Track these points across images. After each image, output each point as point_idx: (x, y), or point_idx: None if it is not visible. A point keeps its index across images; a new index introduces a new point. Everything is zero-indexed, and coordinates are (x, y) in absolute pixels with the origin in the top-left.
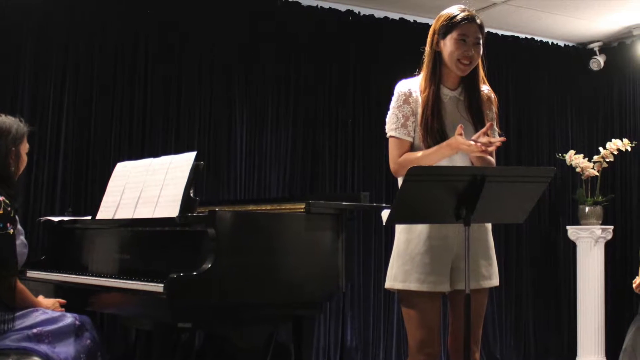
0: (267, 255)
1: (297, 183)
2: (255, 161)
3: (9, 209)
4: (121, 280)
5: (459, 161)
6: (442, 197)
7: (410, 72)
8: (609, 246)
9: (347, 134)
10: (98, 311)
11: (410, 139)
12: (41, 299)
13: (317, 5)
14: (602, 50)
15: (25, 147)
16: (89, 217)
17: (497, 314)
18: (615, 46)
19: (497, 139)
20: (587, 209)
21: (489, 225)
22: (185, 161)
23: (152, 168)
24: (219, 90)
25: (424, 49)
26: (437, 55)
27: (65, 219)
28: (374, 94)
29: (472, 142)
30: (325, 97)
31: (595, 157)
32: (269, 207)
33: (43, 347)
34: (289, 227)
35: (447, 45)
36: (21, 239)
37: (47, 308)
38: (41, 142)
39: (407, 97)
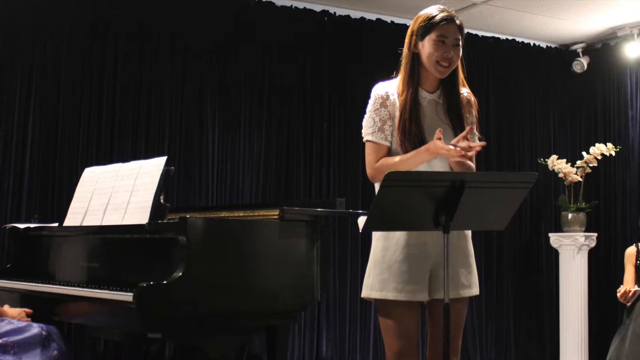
0: (239, 263)
1: (271, 189)
2: (227, 166)
3: None
4: (89, 289)
5: (438, 166)
6: (421, 204)
7: (387, 75)
8: (592, 254)
9: (323, 137)
10: (66, 321)
11: (388, 144)
12: (6, 308)
13: (292, 6)
14: (586, 51)
15: None
16: (56, 224)
17: (477, 323)
18: (599, 48)
19: (477, 144)
20: (570, 215)
21: (469, 233)
22: (155, 166)
23: (121, 173)
24: (191, 93)
25: (401, 50)
26: (415, 57)
27: (32, 225)
28: (350, 97)
29: (452, 147)
30: (299, 99)
31: (579, 162)
32: (241, 214)
33: (9, 358)
34: (262, 234)
35: (426, 47)
36: None
37: (13, 318)
38: (6, 146)
39: (384, 100)
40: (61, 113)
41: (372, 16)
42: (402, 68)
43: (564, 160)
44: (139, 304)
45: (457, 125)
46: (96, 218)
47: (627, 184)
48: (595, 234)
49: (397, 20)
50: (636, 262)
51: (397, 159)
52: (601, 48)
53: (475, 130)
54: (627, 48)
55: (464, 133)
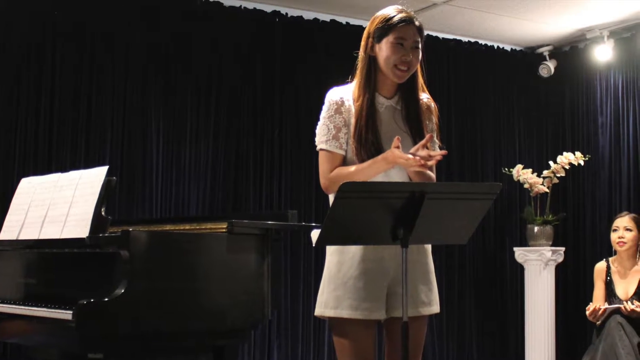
0: (185, 279)
1: (219, 200)
2: (172, 176)
3: None
4: (26, 307)
5: (396, 176)
6: (378, 216)
7: (342, 79)
8: (560, 269)
9: (274, 146)
10: (1, 341)
11: (343, 152)
12: None
13: (241, 6)
14: (553, 55)
15: None
16: None
17: (437, 343)
18: (566, 51)
19: (438, 152)
20: (536, 228)
21: (429, 247)
22: (95, 176)
23: (59, 184)
24: (133, 98)
25: (357, 53)
26: (371, 60)
27: None
28: (302, 103)
29: (410, 156)
30: (249, 106)
31: (545, 172)
32: (187, 227)
33: None
34: (209, 248)
35: (383, 50)
36: None
37: None
38: None
39: (338, 107)
40: None
41: (325, 17)
42: (358, 72)
43: (530, 170)
44: (78, 322)
45: (416, 132)
46: (33, 231)
47: (597, 195)
48: (563, 249)
49: (353, 22)
50: (606, 278)
51: (352, 168)
52: (569, 51)
53: (435, 138)
54: (597, 51)
55: (423, 141)
